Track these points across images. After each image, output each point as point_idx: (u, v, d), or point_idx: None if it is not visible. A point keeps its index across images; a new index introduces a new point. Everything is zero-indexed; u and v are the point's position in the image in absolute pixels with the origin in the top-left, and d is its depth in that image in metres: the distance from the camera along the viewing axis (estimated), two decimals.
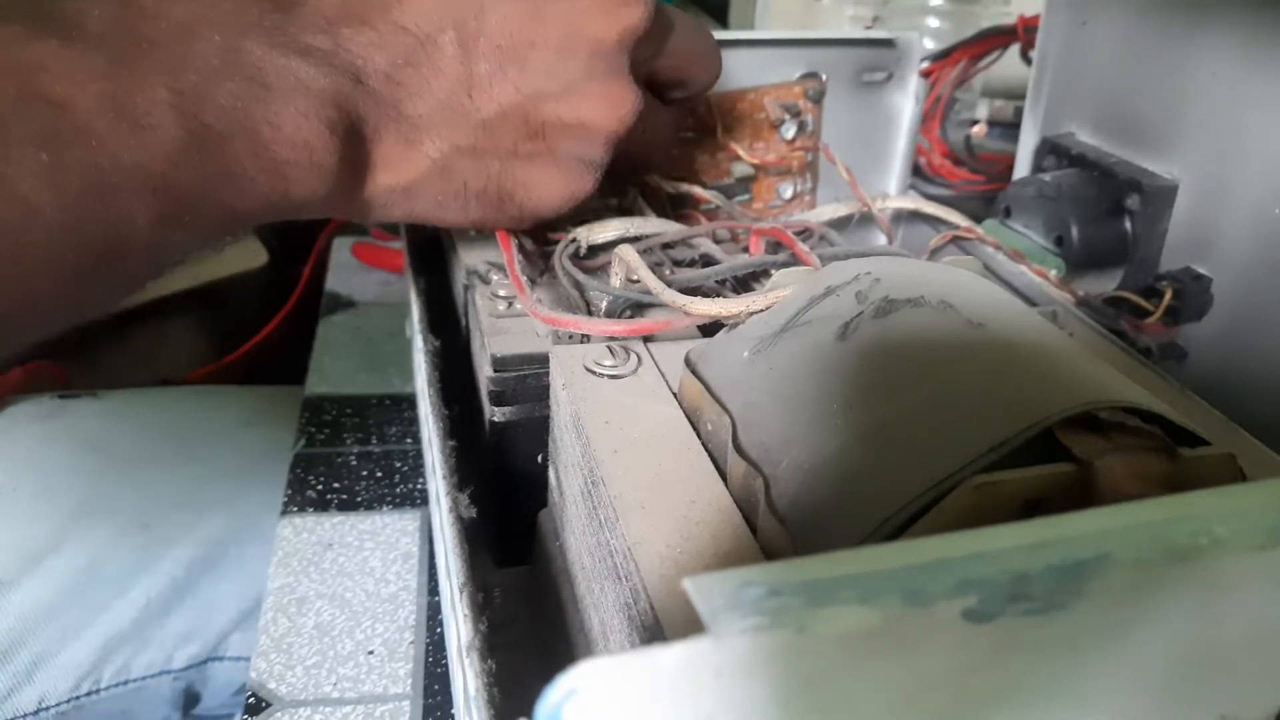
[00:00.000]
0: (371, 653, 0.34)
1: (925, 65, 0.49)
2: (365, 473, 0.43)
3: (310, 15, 0.27)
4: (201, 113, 0.24)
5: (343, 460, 0.44)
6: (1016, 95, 0.56)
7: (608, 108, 0.30)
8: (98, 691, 0.45)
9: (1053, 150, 0.40)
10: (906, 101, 0.48)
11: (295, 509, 0.41)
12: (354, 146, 0.28)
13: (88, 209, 0.22)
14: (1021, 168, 0.43)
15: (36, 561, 0.45)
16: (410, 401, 0.48)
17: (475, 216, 0.32)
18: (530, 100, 0.30)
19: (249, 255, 0.76)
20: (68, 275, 0.23)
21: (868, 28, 0.67)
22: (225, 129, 0.25)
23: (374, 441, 0.45)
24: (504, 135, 0.30)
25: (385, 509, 0.41)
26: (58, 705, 0.45)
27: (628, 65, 0.31)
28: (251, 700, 0.32)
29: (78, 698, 0.45)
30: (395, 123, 0.28)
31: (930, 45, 0.65)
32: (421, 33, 0.28)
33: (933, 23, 0.72)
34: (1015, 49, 0.52)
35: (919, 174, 0.50)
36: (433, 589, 0.37)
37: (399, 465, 0.44)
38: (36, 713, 0.44)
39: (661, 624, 0.19)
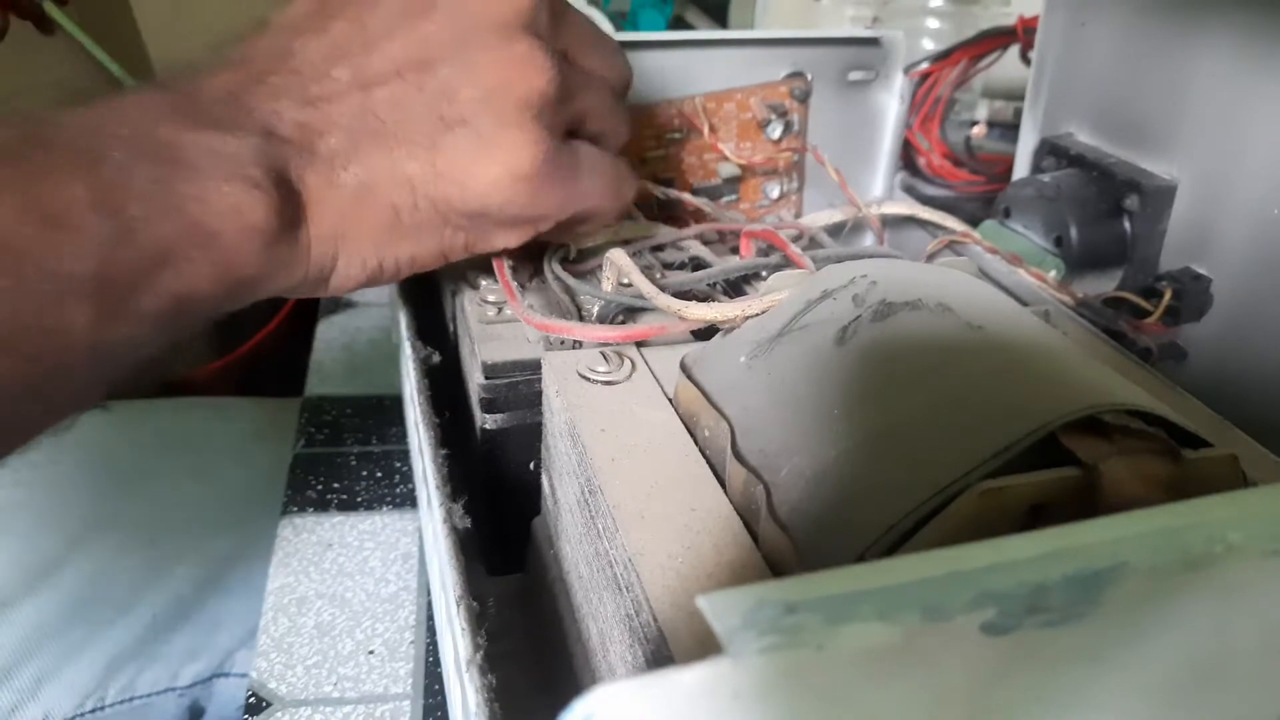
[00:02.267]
0: (372, 652, 0.34)
1: (925, 66, 0.49)
2: (365, 473, 0.43)
3: (212, 90, 0.27)
4: (124, 204, 0.24)
5: (343, 460, 0.44)
6: (1016, 96, 0.56)
7: (518, 70, 0.29)
8: (102, 708, 0.45)
9: (1052, 151, 0.40)
10: (892, 101, 0.48)
11: (295, 509, 0.41)
12: (286, 200, 0.27)
13: (21, 324, 0.22)
14: (1021, 168, 0.43)
15: (42, 578, 0.45)
16: None
17: (430, 243, 0.30)
18: (437, 97, 0.29)
19: None
20: (10, 395, 0.23)
21: (867, 28, 0.67)
22: (151, 214, 0.24)
23: (374, 442, 0.45)
24: (419, 132, 0.29)
25: (385, 509, 0.41)
26: None
27: (533, 34, 0.29)
28: (252, 700, 0.32)
29: (82, 714, 0.45)
30: (313, 164, 0.28)
31: (929, 46, 0.65)
32: (314, 72, 0.28)
33: (932, 23, 0.72)
34: (1015, 50, 0.52)
35: (918, 175, 0.50)
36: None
37: (399, 465, 0.44)
38: None
39: (666, 637, 0.18)
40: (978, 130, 0.59)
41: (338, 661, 0.34)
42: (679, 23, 0.96)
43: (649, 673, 0.11)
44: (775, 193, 0.49)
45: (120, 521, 0.48)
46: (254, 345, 0.68)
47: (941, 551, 0.13)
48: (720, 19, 0.91)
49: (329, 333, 0.54)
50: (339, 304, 0.57)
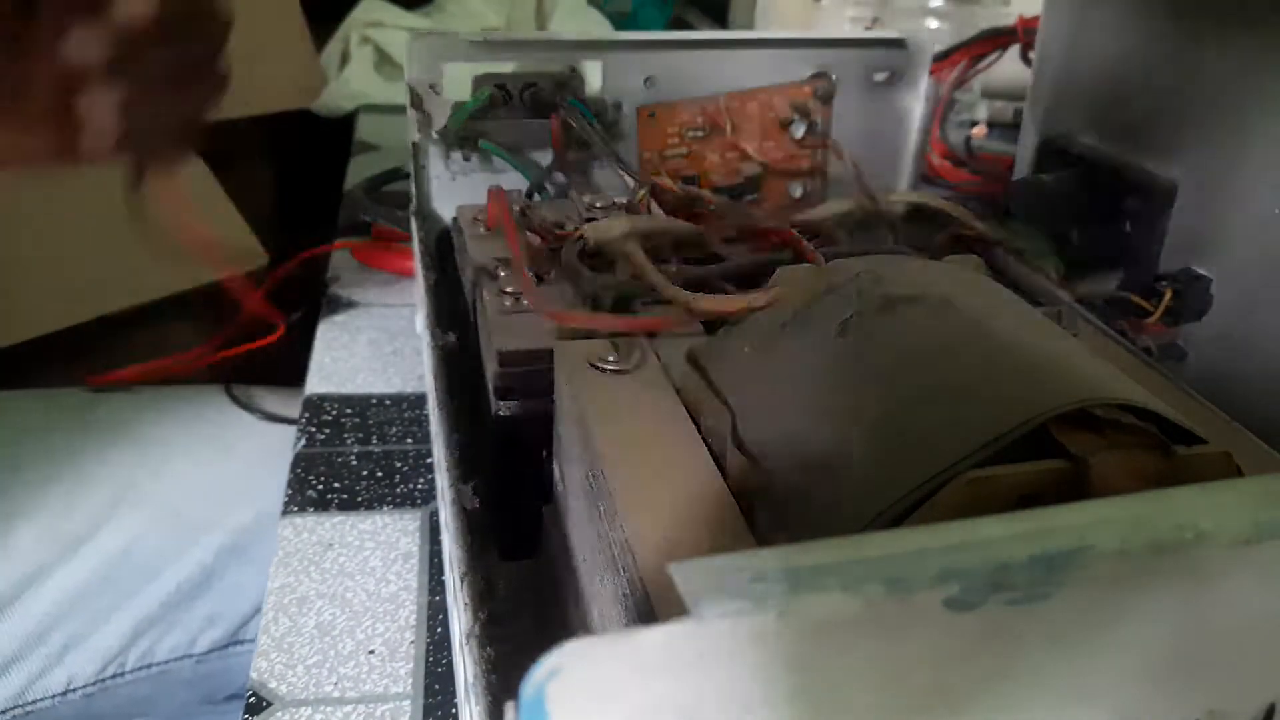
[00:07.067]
0: (372, 652, 0.34)
1: None
2: (365, 473, 0.43)
3: None
4: None
5: (343, 460, 0.44)
6: (1016, 96, 0.56)
7: None
8: (122, 674, 0.47)
9: (1052, 151, 0.40)
10: (916, 102, 0.49)
11: (296, 509, 0.40)
12: None
13: None
14: (1021, 168, 0.43)
15: (73, 548, 0.47)
16: (410, 401, 0.48)
17: None
18: None
19: (249, 256, 0.77)
20: None
21: (867, 28, 0.67)
22: None
23: (374, 441, 0.45)
24: None
25: (386, 509, 0.41)
26: (84, 688, 0.46)
27: None
28: (252, 699, 0.32)
29: (103, 680, 0.46)
30: None
31: None
32: None
33: (932, 24, 0.72)
34: (1015, 50, 0.52)
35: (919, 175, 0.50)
36: (433, 589, 0.37)
37: (399, 465, 0.44)
38: (65, 694, 0.46)
39: (656, 614, 0.19)
40: (978, 130, 0.59)
41: (338, 661, 0.34)
42: (679, 23, 0.96)
43: (615, 631, 0.12)
44: (798, 192, 0.49)
45: (146, 496, 0.49)
46: (256, 348, 0.68)
47: (911, 530, 0.14)
48: (720, 19, 0.91)
49: (329, 333, 0.54)
50: (339, 304, 0.57)
